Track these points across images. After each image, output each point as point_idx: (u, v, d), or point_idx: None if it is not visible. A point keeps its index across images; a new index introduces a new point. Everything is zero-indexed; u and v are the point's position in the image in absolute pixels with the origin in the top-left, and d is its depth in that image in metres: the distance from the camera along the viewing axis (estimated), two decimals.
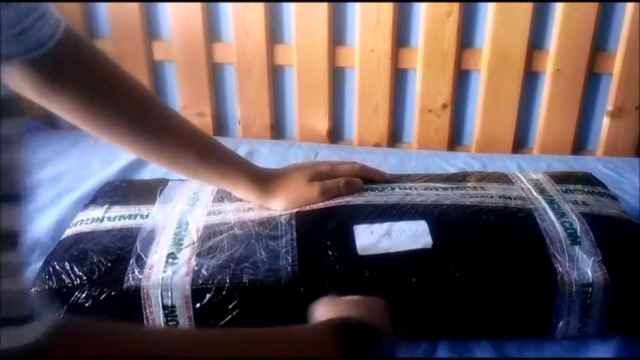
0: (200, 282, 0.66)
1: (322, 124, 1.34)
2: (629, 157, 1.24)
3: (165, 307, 0.66)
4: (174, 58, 1.34)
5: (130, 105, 0.70)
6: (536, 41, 1.22)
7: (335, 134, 1.36)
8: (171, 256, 0.69)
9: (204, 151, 0.75)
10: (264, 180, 0.78)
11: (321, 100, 1.32)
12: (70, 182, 1.09)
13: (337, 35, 1.28)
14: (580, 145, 1.31)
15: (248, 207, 0.79)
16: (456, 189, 0.81)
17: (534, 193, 0.81)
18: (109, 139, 0.71)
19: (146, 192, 0.84)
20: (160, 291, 0.66)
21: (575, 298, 0.67)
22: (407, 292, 0.67)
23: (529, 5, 1.18)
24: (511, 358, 0.68)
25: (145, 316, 0.66)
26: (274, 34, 1.30)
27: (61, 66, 0.63)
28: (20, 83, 0.62)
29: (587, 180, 0.89)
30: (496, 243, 0.72)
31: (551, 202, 0.78)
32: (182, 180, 0.90)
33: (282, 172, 0.80)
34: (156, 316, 0.66)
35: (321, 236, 0.72)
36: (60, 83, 0.64)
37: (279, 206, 0.77)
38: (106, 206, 0.81)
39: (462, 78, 1.28)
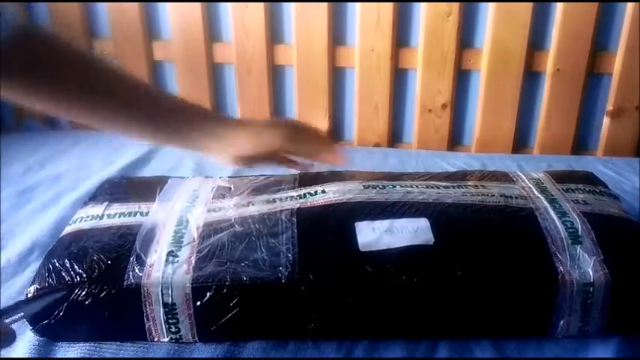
0: (200, 280, 0.66)
1: (322, 124, 1.34)
2: (629, 157, 1.24)
3: (165, 305, 0.65)
4: (175, 58, 1.35)
5: (110, 90, 0.66)
6: (536, 41, 1.22)
7: (335, 134, 1.37)
8: (172, 254, 0.69)
9: (157, 103, 0.70)
10: (221, 121, 0.74)
11: (321, 100, 1.32)
12: (70, 182, 1.09)
13: (337, 35, 1.28)
14: (580, 145, 1.31)
15: (248, 201, 0.78)
16: (457, 187, 0.81)
17: (535, 192, 0.81)
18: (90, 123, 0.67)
19: (146, 189, 0.84)
20: (160, 289, 0.65)
21: (576, 298, 0.67)
22: (408, 289, 0.67)
23: (529, 5, 1.18)
24: (511, 358, 0.67)
25: (145, 314, 0.66)
26: (274, 34, 1.30)
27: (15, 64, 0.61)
28: None
29: (588, 179, 0.88)
30: (497, 242, 0.72)
31: (552, 202, 0.78)
32: (182, 177, 0.90)
33: (245, 119, 0.77)
34: (156, 314, 0.66)
35: (322, 233, 0.72)
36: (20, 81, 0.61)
37: (243, 150, 0.72)
38: (106, 203, 0.81)
39: (461, 78, 1.28)
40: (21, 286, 0.77)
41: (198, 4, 1.28)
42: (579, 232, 0.72)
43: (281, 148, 0.73)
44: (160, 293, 0.65)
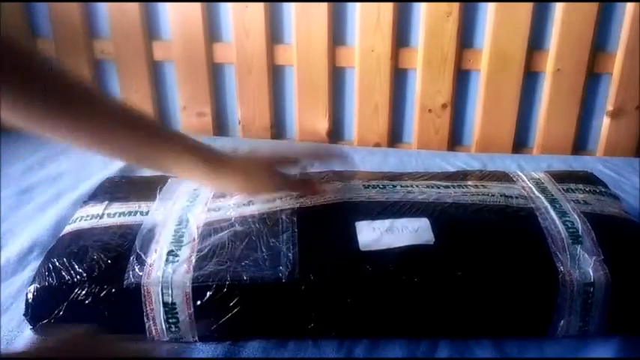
0: (200, 279, 0.66)
1: (322, 124, 1.34)
2: (629, 157, 1.24)
3: (165, 305, 0.65)
4: (174, 58, 1.34)
5: (78, 107, 0.65)
6: (536, 41, 1.22)
7: (335, 134, 1.36)
8: (172, 253, 0.69)
9: (154, 139, 0.70)
10: (222, 162, 0.73)
11: (321, 100, 1.32)
12: (70, 182, 1.09)
13: (337, 35, 1.28)
14: (580, 145, 1.31)
15: (248, 201, 0.78)
16: (458, 187, 0.81)
17: (536, 192, 0.81)
18: (58, 139, 0.66)
19: (146, 189, 0.84)
20: (160, 288, 0.65)
21: (576, 298, 0.67)
22: (408, 289, 0.67)
23: (529, 5, 1.18)
24: (511, 358, 0.67)
25: (145, 314, 0.66)
26: (274, 34, 1.30)
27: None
28: None
29: (589, 179, 0.89)
30: (497, 242, 0.72)
31: (552, 201, 0.78)
32: None
33: (245, 157, 0.77)
34: (156, 314, 0.66)
35: (323, 233, 0.72)
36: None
37: (237, 189, 0.74)
38: (106, 203, 0.81)
39: (461, 78, 1.28)
40: (21, 285, 0.77)
41: (198, 4, 1.28)
42: (579, 232, 0.72)
43: (274, 184, 0.75)
44: (160, 292, 0.65)
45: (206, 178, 0.74)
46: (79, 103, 0.65)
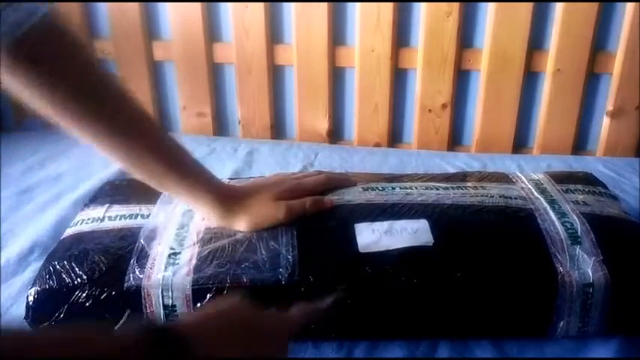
0: (201, 282, 0.66)
1: (322, 124, 1.34)
2: (629, 157, 1.24)
3: (165, 307, 0.66)
4: (174, 58, 1.35)
5: (104, 101, 0.66)
6: (536, 41, 1.22)
7: (335, 134, 1.37)
8: (172, 256, 0.69)
9: (173, 160, 0.71)
10: (228, 199, 0.74)
11: (321, 100, 1.32)
12: (70, 182, 1.09)
13: (337, 35, 1.28)
14: (580, 145, 1.31)
15: None
16: (457, 189, 0.81)
17: (535, 193, 0.81)
18: (81, 135, 0.67)
19: (147, 191, 0.83)
20: (160, 290, 0.66)
21: (575, 298, 0.67)
22: (407, 290, 0.67)
23: (529, 5, 1.18)
24: (511, 358, 0.68)
25: (145, 316, 0.66)
26: (274, 34, 1.30)
27: (34, 53, 0.60)
28: None
29: (588, 180, 0.89)
30: (497, 243, 0.72)
31: (551, 202, 0.78)
32: None
33: (247, 192, 0.76)
34: (156, 316, 0.66)
35: (322, 235, 0.72)
36: (29, 69, 0.61)
37: (242, 228, 0.73)
38: (107, 205, 0.81)
39: (461, 78, 1.28)
40: (21, 285, 0.77)
41: (198, 4, 1.28)
42: (579, 233, 0.72)
43: (284, 221, 0.74)
44: (160, 295, 0.65)
45: (213, 213, 0.74)
46: (105, 98, 0.66)
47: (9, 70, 0.60)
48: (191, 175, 0.73)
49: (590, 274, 0.67)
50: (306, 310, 0.58)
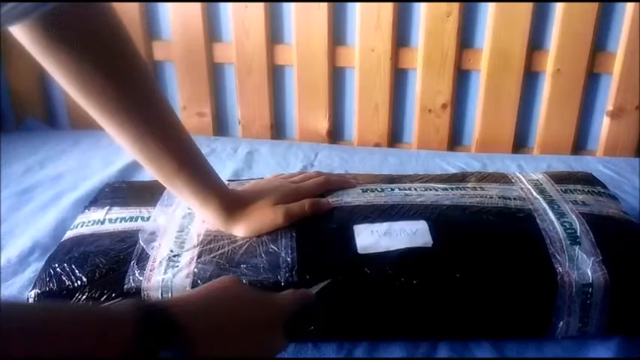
0: (200, 284, 0.66)
1: (322, 124, 1.34)
2: (629, 157, 1.24)
3: None
4: (174, 58, 1.35)
5: (130, 87, 0.66)
6: (536, 41, 1.22)
7: (335, 134, 1.37)
8: (172, 258, 0.69)
9: (187, 160, 0.71)
10: (231, 206, 0.74)
11: (321, 100, 1.32)
12: (70, 182, 1.09)
13: (337, 35, 1.28)
14: (580, 145, 1.31)
15: None
16: (456, 189, 0.81)
17: (534, 194, 0.81)
18: (100, 118, 0.66)
19: (147, 194, 0.84)
20: (160, 293, 0.66)
21: (575, 299, 0.67)
22: (406, 291, 0.67)
23: (529, 5, 1.18)
24: (511, 358, 0.68)
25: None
26: (274, 34, 1.30)
27: (63, 28, 0.59)
28: (21, 36, 0.60)
29: (587, 180, 0.89)
30: (496, 243, 0.72)
31: (551, 203, 0.78)
32: None
33: (248, 199, 0.76)
34: None
35: (321, 236, 0.72)
36: (58, 43, 0.60)
37: (242, 234, 0.73)
38: (107, 208, 0.81)
39: (461, 78, 1.28)
40: (21, 286, 0.77)
41: (198, 4, 1.28)
42: (578, 233, 0.72)
43: (284, 225, 0.74)
44: (160, 297, 0.66)
45: (215, 218, 0.74)
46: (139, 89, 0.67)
47: (41, 49, 0.60)
48: (201, 177, 0.72)
49: (590, 275, 0.67)
50: (296, 296, 0.58)
